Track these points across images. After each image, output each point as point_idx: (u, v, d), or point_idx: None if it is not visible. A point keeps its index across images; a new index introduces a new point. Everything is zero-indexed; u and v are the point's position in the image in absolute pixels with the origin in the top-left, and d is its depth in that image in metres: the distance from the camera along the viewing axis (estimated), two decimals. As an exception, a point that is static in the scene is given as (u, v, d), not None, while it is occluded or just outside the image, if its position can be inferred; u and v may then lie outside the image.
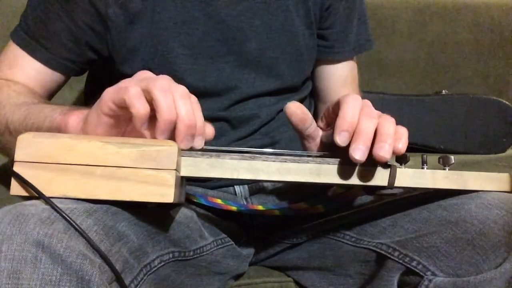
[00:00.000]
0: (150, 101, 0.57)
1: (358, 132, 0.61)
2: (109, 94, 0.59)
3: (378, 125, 0.62)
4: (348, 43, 1.02)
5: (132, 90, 0.57)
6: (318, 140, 0.72)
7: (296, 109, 0.68)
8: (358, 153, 0.60)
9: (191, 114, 0.58)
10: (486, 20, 1.65)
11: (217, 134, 0.90)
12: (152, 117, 0.58)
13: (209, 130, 0.64)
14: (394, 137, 0.62)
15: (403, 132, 0.63)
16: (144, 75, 0.62)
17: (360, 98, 0.65)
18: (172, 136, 0.62)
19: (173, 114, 0.57)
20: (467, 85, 1.65)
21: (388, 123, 0.63)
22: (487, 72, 1.67)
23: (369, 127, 0.61)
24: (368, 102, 0.65)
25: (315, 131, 0.71)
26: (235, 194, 0.94)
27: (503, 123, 1.48)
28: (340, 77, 1.04)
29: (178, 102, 0.58)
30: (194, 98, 0.61)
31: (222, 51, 0.89)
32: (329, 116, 0.69)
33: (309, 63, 0.99)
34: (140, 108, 0.56)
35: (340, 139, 0.61)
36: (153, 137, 0.60)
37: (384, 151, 0.60)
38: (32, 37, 0.88)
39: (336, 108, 0.65)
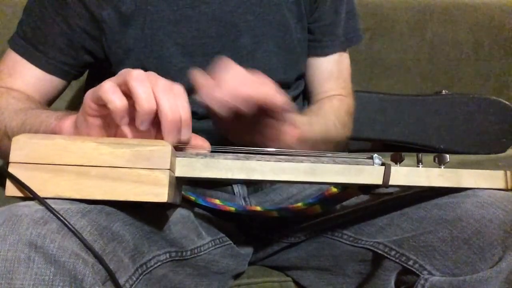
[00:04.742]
0: (129, 95, 0.58)
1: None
2: (89, 95, 0.59)
3: None
4: (336, 37, 1.02)
5: (105, 85, 0.57)
6: None
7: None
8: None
9: (174, 107, 0.59)
10: (486, 20, 1.65)
11: (212, 131, 0.91)
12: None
13: (206, 145, 0.65)
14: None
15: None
16: (123, 71, 0.62)
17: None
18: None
19: (152, 104, 0.57)
20: (467, 85, 1.65)
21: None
22: (487, 72, 1.67)
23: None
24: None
25: None
26: (234, 194, 0.94)
27: (503, 123, 1.48)
28: (325, 71, 1.04)
29: (160, 97, 0.58)
30: (178, 89, 0.61)
31: (216, 48, 0.89)
32: None
33: (302, 57, 0.99)
34: (116, 101, 0.57)
35: None
36: (137, 134, 0.61)
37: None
38: (29, 42, 0.89)
39: None
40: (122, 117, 0.58)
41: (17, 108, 0.81)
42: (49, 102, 0.93)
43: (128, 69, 0.60)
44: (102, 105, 0.58)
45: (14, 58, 0.90)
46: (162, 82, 0.60)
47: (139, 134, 0.63)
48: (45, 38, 0.88)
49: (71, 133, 0.64)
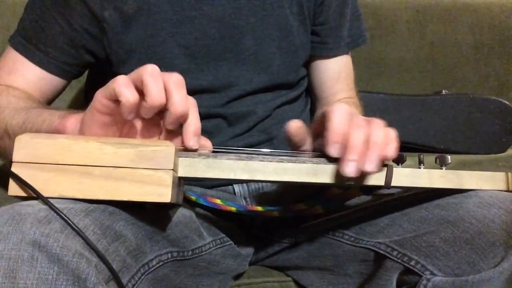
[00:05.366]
0: (141, 90, 0.58)
1: (349, 146, 0.61)
2: (100, 91, 0.60)
3: (368, 134, 0.62)
4: (341, 39, 1.03)
5: (120, 79, 0.58)
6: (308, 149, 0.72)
7: (298, 129, 0.68)
8: (350, 169, 0.60)
9: (184, 102, 0.59)
10: (486, 20, 1.65)
11: (214, 132, 0.91)
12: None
13: (208, 144, 0.65)
14: (384, 143, 0.62)
15: (392, 136, 0.63)
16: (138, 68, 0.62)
17: (347, 107, 0.65)
18: (171, 138, 0.63)
19: (162, 98, 0.58)
20: (467, 85, 1.65)
21: (376, 130, 0.62)
22: (487, 72, 1.67)
23: (359, 138, 0.61)
24: (354, 110, 0.65)
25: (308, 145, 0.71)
26: (234, 194, 0.94)
27: (503, 123, 1.48)
28: (334, 73, 1.04)
29: (172, 90, 0.58)
30: (192, 100, 0.62)
31: (218, 49, 0.90)
32: (317, 127, 0.69)
33: (304, 59, 1.00)
34: (128, 95, 0.57)
35: (333, 152, 0.62)
36: (144, 132, 0.61)
37: (372, 166, 0.60)
38: (29, 41, 0.89)
39: (324, 119, 0.65)
40: (131, 112, 0.58)
41: (18, 106, 0.81)
42: (49, 101, 0.93)
43: (144, 65, 0.60)
44: (113, 101, 0.59)
45: (14, 57, 0.90)
46: (175, 77, 0.60)
47: (146, 132, 0.63)
48: (46, 37, 0.88)
49: (75, 132, 0.64)
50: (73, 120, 0.65)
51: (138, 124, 0.63)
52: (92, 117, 0.61)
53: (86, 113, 0.62)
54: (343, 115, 0.63)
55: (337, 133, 0.62)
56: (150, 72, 0.58)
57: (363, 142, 0.61)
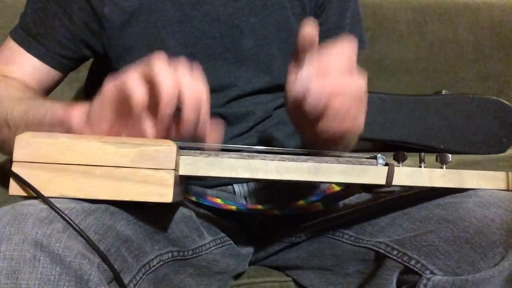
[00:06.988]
0: (151, 86, 0.57)
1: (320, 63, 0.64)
2: (109, 81, 0.59)
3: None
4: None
5: (129, 74, 0.57)
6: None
7: (311, 31, 0.70)
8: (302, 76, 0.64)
9: (196, 86, 0.58)
10: (486, 20, 1.65)
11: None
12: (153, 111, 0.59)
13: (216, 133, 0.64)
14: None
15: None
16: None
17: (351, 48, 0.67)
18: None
19: (177, 83, 0.57)
20: (467, 85, 1.65)
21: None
22: (487, 72, 1.67)
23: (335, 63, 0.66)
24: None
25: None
26: (234, 193, 0.94)
27: (503, 123, 1.48)
28: None
29: (183, 77, 0.58)
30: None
31: (219, 49, 0.90)
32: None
33: None
34: (138, 92, 0.56)
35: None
36: (156, 130, 0.60)
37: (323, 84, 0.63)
38: (29, 34, 0.89)
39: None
40: (143, 108, 0.57)
41: (17, 96, 0.80)
42: (46, 93, 0.93)
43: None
44: (122, 94, 0.58)
45: (12, 48, 0.90)
46: (183, 68, 0.59)
47: (157, 127, 0.61)
48: (46, 30, 0.88)
49: (82, 121, 0.62)
50: (79, 110, 0.63)
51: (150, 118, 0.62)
52: (100, 110, 0.60)
53: (94, 104, 0.61)
54: (345, 51, 0.68)
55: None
56: (158, 63, 0.58)
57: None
